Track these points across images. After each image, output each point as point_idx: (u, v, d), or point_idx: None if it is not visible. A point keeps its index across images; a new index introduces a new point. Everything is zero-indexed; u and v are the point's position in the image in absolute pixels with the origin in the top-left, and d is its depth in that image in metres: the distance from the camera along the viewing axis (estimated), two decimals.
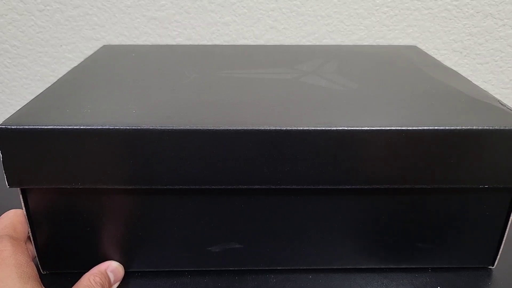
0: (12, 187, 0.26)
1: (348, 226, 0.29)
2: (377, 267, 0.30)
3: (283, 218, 0.28)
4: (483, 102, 0.29)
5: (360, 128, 0.25)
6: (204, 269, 0.30)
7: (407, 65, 0.38)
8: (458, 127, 0.25)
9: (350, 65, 0.38)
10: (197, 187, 0.26)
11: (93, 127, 0.24)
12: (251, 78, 0.34)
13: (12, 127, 0.24)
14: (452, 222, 0.29)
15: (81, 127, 0.24)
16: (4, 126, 0.24)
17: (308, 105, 0.28)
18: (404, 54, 0.42)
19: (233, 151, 0.25)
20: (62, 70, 0.55)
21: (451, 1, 0.52)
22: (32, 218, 0.27)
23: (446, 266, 0.31)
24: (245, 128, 0.25)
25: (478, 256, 0.30)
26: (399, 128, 0.25)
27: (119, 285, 0.29)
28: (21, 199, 0.27)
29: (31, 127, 0.24)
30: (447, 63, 0.55)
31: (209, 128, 0.25)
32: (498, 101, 0.29)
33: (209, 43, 0.54)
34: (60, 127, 0.24)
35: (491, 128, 0.25)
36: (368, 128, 0.25)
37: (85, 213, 0.28)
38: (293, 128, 0.25)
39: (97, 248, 0.29)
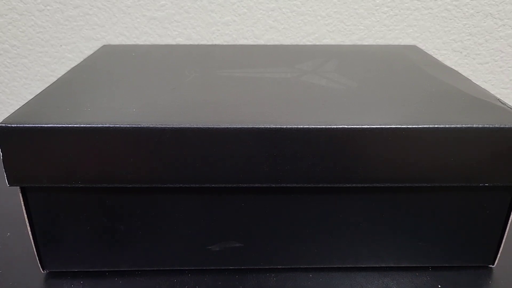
0: (12, 186, 0.26)
1: (348, 224, 0.29)
2: (377, 265, 0.30)
3: (283, 217, 0.28)
4: (483, 100, 0.29)
5: (360, 127, 0.25)
6: (204, 268, 0.30)
7: (407, 64, 0.38)
8: (458, 125, 0.25)
9: (350, 64, 0.38)
10: (197, 185, 0.26)
11: (93, 125, 0.24)
12: (251, 77, 0.34)
13: (12, 125, 0.24)
14: (452, 221, 0.29)
15: (81, 126, 0.24)
16: (4, 125, 0.24)
17: (308, 103, 0.28)
18: (404, 54, 0.42)
19: (233, 150, 0.25)
20: (62, 70, 0.55)
21: (451, 1, 0.52)
22: (32, 217, 0.27)
23: (446, 265, 0.31)
24: (246, 126, 0.25)
25: (478, 255, 0.30)
26: (399, 126, 0.25)
27: (120, 284, 0.29)
28: (21, 198, 0.27)
29: (31, 125, 0.24)
30: (447, 63, 0.55)
31: (209, 126, 0.25)
32: (498, 99, 0.29)
33: (209, 43, 0.54)
34: (60, 125, 0.24)
35: (491, 126, 0.25)
36: (368, 127, 0.25)
37: (85, 212, 0.28)
38: (293, 126, 0.25)
39: (97, 247, 0.29)
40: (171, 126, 0.25)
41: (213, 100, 0.29)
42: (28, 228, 0.27)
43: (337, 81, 0.33)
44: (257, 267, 0.30)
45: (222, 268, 0.30)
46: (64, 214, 0.28)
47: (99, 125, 0.24)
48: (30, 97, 0.55)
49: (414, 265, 0.30)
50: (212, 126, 0.25)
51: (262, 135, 0.25)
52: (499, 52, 0.55)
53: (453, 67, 0.54)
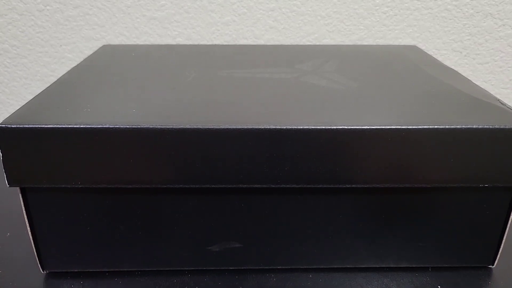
0: (11, 187, 0.26)
1: (348, 225, 0.29)
2: (377, 266, 0.30)
3: (283, 217, 0.28)
4: (483, 101, 0.29)
5: (360, 127, 0.25)
6: (204, 268, 0.30)
7: (407, 65, 0.38)
8: (458, 126, 0.25)
9: (350, 64, 0.38)
10: (197, 186, 0.26)
11: (93, 126, 0.24)
12: (251, 77, 0.34)
13: (12, 126, 0.24)
14: (452, 221, 0.29)
15: (81, 126, 0.24)
16: (4, 125, 0.24)
17: (308, 104, 0.28)
18: (404, 54, 0.42)
19: (233, 150, 0.25)
20: (62, 70, 0.55)
21: (451, 1, 0.52)
22: (32, 217, 0.27)
23: (446, 266, 0.31)
24: (245, 127, 0.25)
25: (478, 255, 0.30)
26: (399, 127, 0.25)
27: (120, 284, 0.29)
28: (21, 199, 0.27)
29: (31, 126, 0.24)
30: (447, 63, 0.55)
31: (209, 127, 0.25)
32: (498, 100, 0.29)
33: (209, 43, 0.54)
34: (60, 126, 0.24)
35: (491, 127, 0.25)
36: (368, 127, 0.25)
37: (85, 213, 0.28)
38: (293, 127, 0.25)
39: (97, 247, 0.29)
40: (171, 126, 0.25)
41: (213, 100, 0.29)
42: (28, 228, 0.27)
43: (337, 81, 0.33)
44: (257, 268, 0.30)
45: (222, 268, 0.30)
46: (64, 214, 0.28)
47: (99, 126, 0.24)
48: (30, 97, 0.55)
49: (414, 266, 0.30)
50: (212, 126, 0.25)
51: (262, 135, 0.25)
52: (499, 52, 0.55)
53: (453, 67, 0.54)
